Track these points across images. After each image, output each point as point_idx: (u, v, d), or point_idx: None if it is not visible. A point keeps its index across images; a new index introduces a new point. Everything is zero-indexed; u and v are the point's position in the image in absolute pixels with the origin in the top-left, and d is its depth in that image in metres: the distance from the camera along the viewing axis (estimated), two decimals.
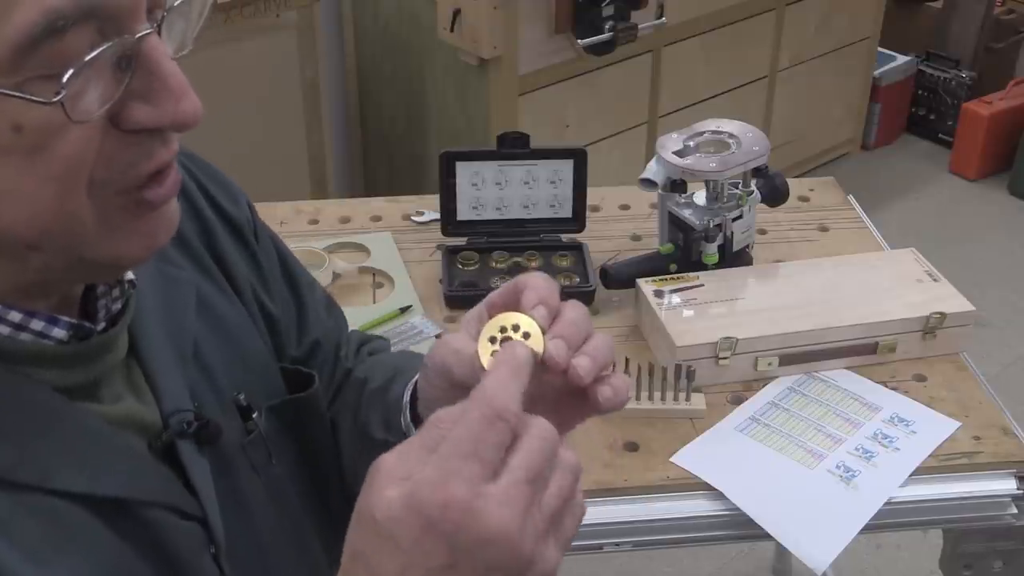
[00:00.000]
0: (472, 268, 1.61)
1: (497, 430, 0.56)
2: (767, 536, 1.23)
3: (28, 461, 0.61)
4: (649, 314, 1.46)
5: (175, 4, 0.59)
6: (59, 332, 0.64)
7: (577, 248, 1.64)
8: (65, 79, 0.53)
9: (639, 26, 2.69)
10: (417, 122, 2.94)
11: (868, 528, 1.24)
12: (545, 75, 2.69)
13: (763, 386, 1.41)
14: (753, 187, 1.54)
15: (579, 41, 2.64)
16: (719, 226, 1.51)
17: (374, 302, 1.57)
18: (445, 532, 0.54)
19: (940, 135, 3.91)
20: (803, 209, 1.79)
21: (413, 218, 1.75)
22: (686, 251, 1.53)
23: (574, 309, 0.67)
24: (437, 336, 1.48)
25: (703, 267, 1.52)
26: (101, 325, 0.67)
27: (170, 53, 0.59)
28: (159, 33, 0.58)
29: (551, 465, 0.57)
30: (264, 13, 2.43)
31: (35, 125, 0.54)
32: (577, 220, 1.63)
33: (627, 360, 1.38)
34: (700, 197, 1.53)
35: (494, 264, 1.62)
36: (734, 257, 1.55)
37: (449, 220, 1.62)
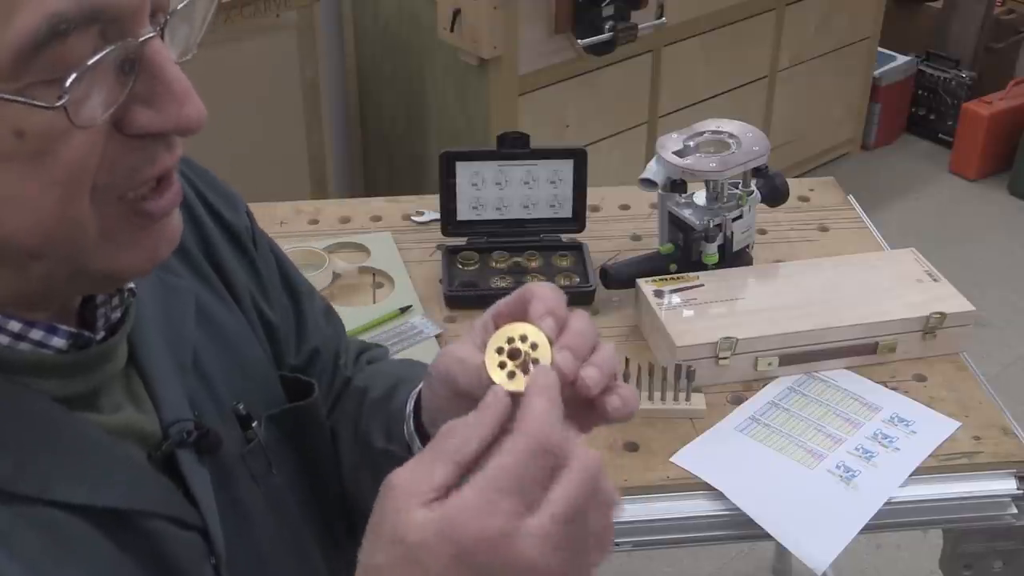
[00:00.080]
0: (472, 268, 1.61)
1: (542, 463, 0.56)
2: (767, 536, 1.23)
3: (28, 472, 0.60)
4: (649, 314, 1.46)
5: (178, 8, 0.59)
6: (58, 341, 0.63)
7: (577, 248, 1.64)
8: (68, 84, 0.52)
9: (639, 26, 2.69)
10: (417, 122, 2.94)
11: (868, 528, 1.24)
12: (545, 75, 2.69)
13: (763, 386, 1.41)
14: (753, 187, 1.54)
15: (579, 41, 2.64)
16: (719, 226, 1.51)
17: (374, 302, 1.57)
18: (477, 564, 0.54)
19: (940, 135, 3.91)
20: (803, 209, 1.79)
21: (413, 218, 1.75)
22: (686, 251, 1.53)
23: (580, 320, 0.67)
24: (437, 336, 1.48)
25: (703, 267, 1.52)
26: (100, 334, 0.66)
27: (174, 57, 0.58)
28: (162, 37, 0.57)
29: (591, 500, 0.57)
30: (264, 13, 2.43)
31: (38, 131, 0.53)
32: (577, 220, 1.63)
33: (627, 360, 1.38)
34: (700, 197, 1.53)
35: (494, 264, 1.62)
36: (734, 257, 1.55)
37: (449, 220, 1.62)
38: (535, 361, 0.63)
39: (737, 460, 1.30)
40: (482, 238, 1.64)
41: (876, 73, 3.74)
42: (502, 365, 0.63)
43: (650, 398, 1.35)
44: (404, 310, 1.53)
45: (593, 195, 1.66)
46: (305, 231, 1.71)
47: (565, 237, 1.65)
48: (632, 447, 1.31)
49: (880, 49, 3.71)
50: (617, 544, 1.26)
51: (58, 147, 0.54)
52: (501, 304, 0.70)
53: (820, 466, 1.29)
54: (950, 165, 3.79)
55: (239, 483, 0.76)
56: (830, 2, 3.36)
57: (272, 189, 2.30)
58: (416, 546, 0.54)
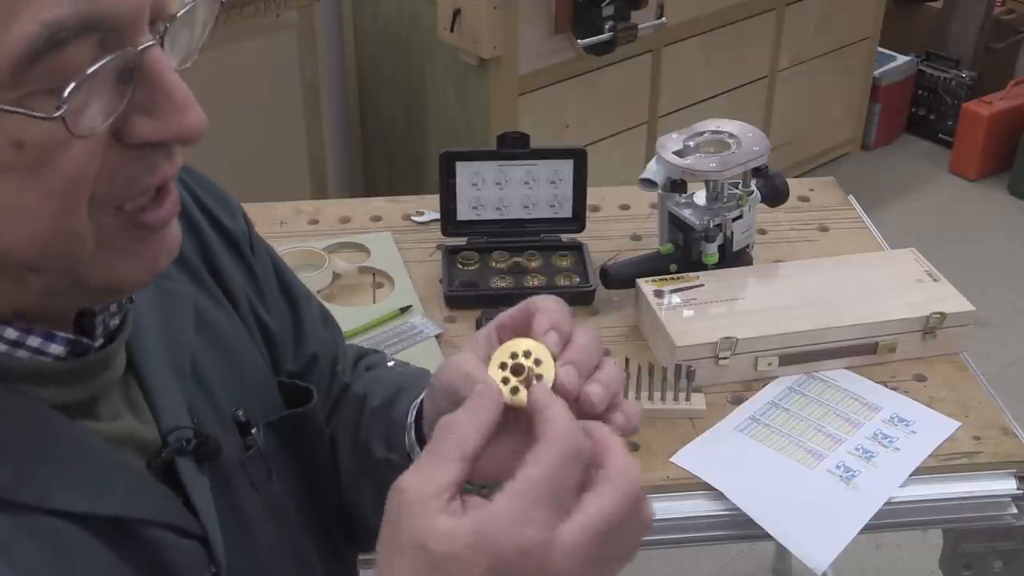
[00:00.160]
0: (472, 268, 1.61)
1: (573, 470, 0.56)
2: (767, 536, 1.23)
3: (28, 481, 0.60)
4: (649, 314, 1.46)
5: (178, 15, 0.58)
6: (56, 348, 0.62)
7: (577, 248, 1.64)
8: (66, 93, 0.52)
9: (639, 26, 2.69)
10: (417, 122, 2.94)
11: (868, 528, 1.24)
12: (545, 75, 2.69)
13: (763, 386, 1.41)
14: (753, 187, 1.54)
15: (579, 41, 2.64)
16: (719, 226, 1.51)
17: (374, 302, 1.57)
18: (511, 574, 0.54)
19: (940, 135, 3.91)
20: (803, 209, 1.79)
21: (413, 218, 1.75)
22: (686, 251, 1.53)
23: (585, 335, 0.66)
24: (437, 336, 1.48)
25: (703, 267, 1.52)
26: (99, 341, 0.66)
27: (174, 65, 0.58)
28: (162, 45, 0.57)
29: (624, 520, 0.58)
30: (264, 13, 2.43)
31: (36, 141, 0.53)
32: (577, 220, 1.63)
33: (627, 360, 1.38)
34: (700, 197, 1.53)
35: (494, 264, 1.62)
36: (734, 257, 1.55)
37: (449, 220, 1.62)
38: (538, 377, 0.63)
39: (737, 460, 1.30)
40: (482, 238, 1.64)
41: (876, 73, 3.74)
42: (505, 380, 0.63)
43: (650, 398, 1.35)
44: (404, 310, 1.53)
45: (593, 195, 1.66)
46: (305, 231, 1.71)
47: (565, 237, 1.65)
48: (632, 447, 1.31)
49: (880, 49, 3.71)
50: None
51: (57, 157, 0.54)
52: (504, 316, 0.70)
53: (820, 466, 1.29)
54: (950, 165, 3.79)
55: (238, 490, 0.76)
56: (830, 2, 3.36)
57: (272, 189, 2.30)
58: (445, 557, 0.54)
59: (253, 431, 0.78)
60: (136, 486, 0.66)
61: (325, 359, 0.94)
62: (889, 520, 1.27)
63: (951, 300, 1.46)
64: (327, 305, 1.51)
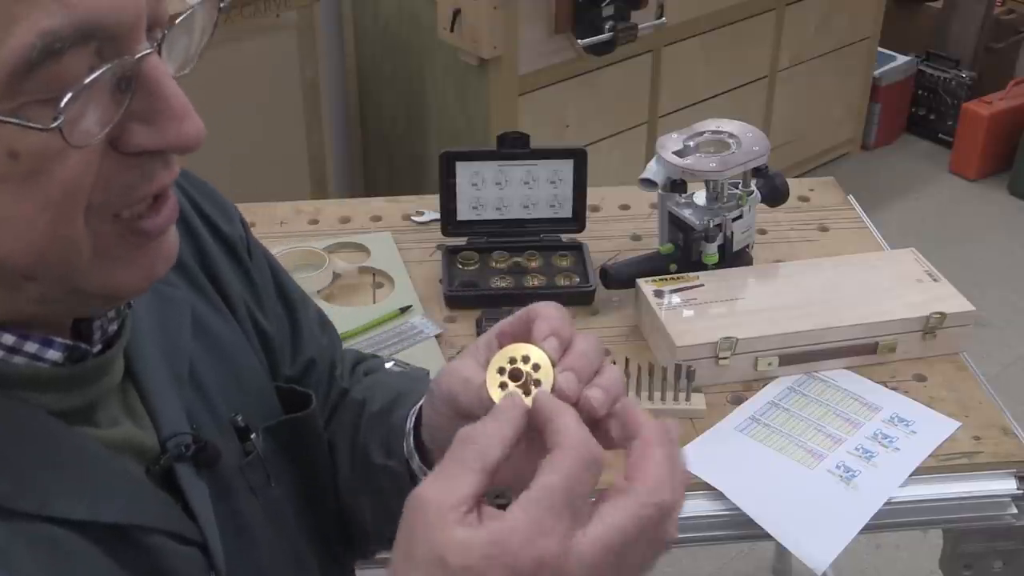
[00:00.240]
0: (472, 268, 1.61)
1: (590, 477, 0.56)
2: (767, 536, 1.23)
3: (27, 489, 0.59)
4: (649, 314, 1.46)
5: (176, 22, 0.58)
6: (54, 354, 0.62)
7: (577, 248, 1.64)
8: (63, 103, 0.51)
9: (639, 26, 2.69)
10: (417, 122, 2.94)
11: (868, 528, 1.24)
12: (545, 75, 2.69)
13: (763, 386, 1.41)
14: (753, 187, 1.54)
15: (579, 41, 2.64)
16: (719, 226, 1.51)
17: (374, 302, 1.57)
18: None
19: (940, 135, 3.91)
20: (803, 209, 1.79)
21: (413, 218, 1.75)
22: (686, 251, 1.53)
23: (585, 341, 0.66)
24: (437, 336, 1.48)
25: (703, 267, 1.52)
26: (97, 347, 0.65)
27: (171, 72, 0.57)
28: (159, 52, 0.56)
29: (645, 536, 0.57)
30: (264, 13, 2.43)
31: (32, 151, 0.52)
32: (577, 220, 1.63)
33: (627, 360, 1.38)
34: (700, 197, 1.53)
35: (494, 264, 1.62)
36: (734, 257, 1.55)
37: (449, 220, 1.62)
38: (537, 382, 0.62)
39: (737, 460, 1.30)
40: (482, 238, 1.64)
41: (876, 73, 3.74)
42: (503, 386, 0.63)
43: (650, 398, 1.35)
44: (404, 310, 1.53)
45: (593, 195, 1.66)
46: (305, 231, 1.71)
47: (565, 237, 1.65)
48: None
49: (880, 49, 3.71)
50: None
51: (53, 167, 0.53)
52: (505, 323, 0.69)
53: (820, 466, 1.29)
54: (950, 165, 3.79)
55: (237, 496, 0.75)
56: (830, 2, 3.36)
57: (272, 189, 2.30)
58: (462, 569, 0.53)
59: (252, 436, 0.77)
60: (135, 493, 0.66)
61: (323, 364, 0.93)
62: (889, 520, 1.27)
63: (951, 300, 1.46)
64: (327, 305, 1.53)
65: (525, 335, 0.67)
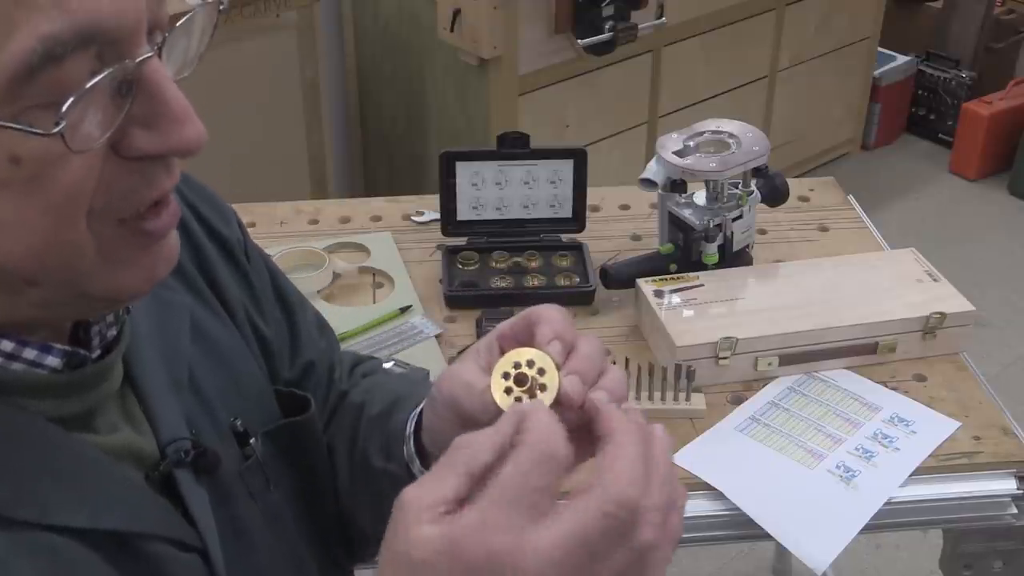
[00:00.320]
0: (472, 268, 1.61)
1: (548, 472, 0.54)
2: (767, 536, 1.23)
3: (26, 497, 0.59)
4: (649, 314, 1.46)
5: (177, 24, 0.57)
6: (53, 361, 0.62)
7: (577, 248, 1.64)
8: (64, 108, 0.51)
9: (639, 26, 2.69)
10: (417, 122, 2.94)
11: (868, 528, 1.24)
12: (545, 75, 2.69)
13: (763, 386, 1.41)
14: (753, 187, 1.54)
15: (579, 41, 2.64)
16: (719, 226, 1.51)
17: (374, 302, 1.57)
18: None
19: (940, 135, 3.91)
20: (803, 209, 1.79)
21: (413, 218, 1.75)
22: (686, 251, 1.53)
23: (588, 343, 0.65)
24: (437, 336, 1.48)
25: (703, 267, 1.52)
26: (96, 353, 0.65)
27: (171, 75, 0.57)
28: (160, 56, 0.56)
29: (614, 539, 0.54)
30: (264, 13, 2.43)
31: (34, 156, 0.52)
32: (577, 220, 1.63)
33: (627, 360, 1.38)
34: (700, 197, 1.53)
35: (494, 264, 1.62)
36: (734, 257, 1.55)
37: (449, 220, 1.62)
38: (542, 387, 0.62)
39: (737, 460, 1.30)
40: (482, 238, 1.64)
41: (876, 73, 3.74)
42: (508, 391, 0.63)
43: (650, 398, 1.35)
44: (404, 310, 1.53)
45: (593, 195, 1.66)
46: (305, 231, 1.71)
47: (565, 237, 1.65)
48: None
49: (880, 49, 3.71)
50: None
51: (55, 172, 0.53)
52: (505, 325, 0.69)
53: (820, 466, 1.29)
54: (950, 165, 3.79)
55: (237, 501, 0.75)
56: (830, 2, 3.36)
57: (272, 189, 2.30)
58: (420, 564, 0.53)
59: (251, 441, 0.77)
60: (135, 500, 0.65)
61: (322, 366, 0.93)
62: (889, 520, 1.27)
63: (951, 300, 1.46)
64: (327, 305, 1.53)
65: (526, 337, 0.67)
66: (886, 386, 1.41)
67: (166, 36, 0.57)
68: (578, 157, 1.60)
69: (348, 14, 3.00)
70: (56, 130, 0.51)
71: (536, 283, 1.58)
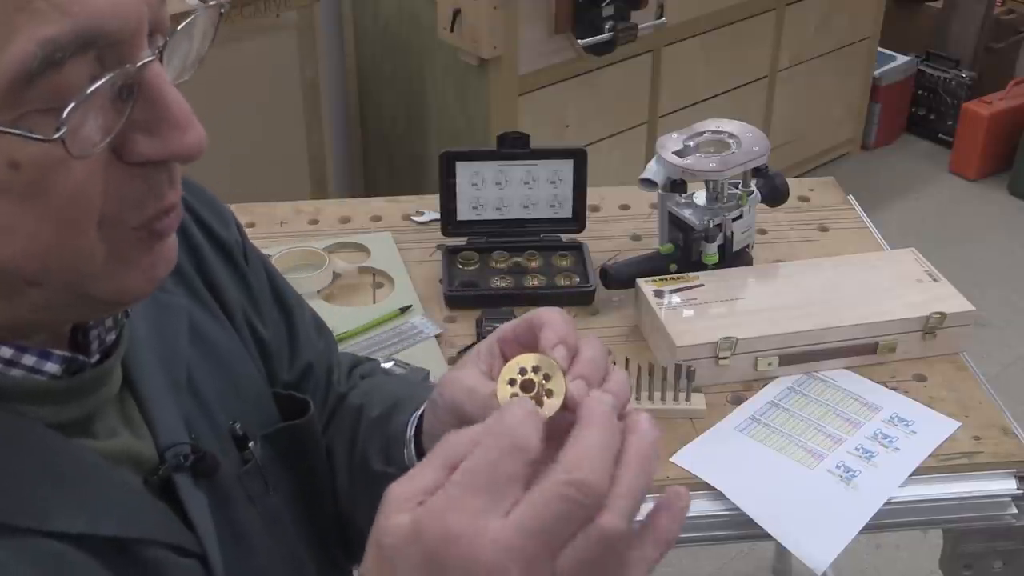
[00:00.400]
0: (472, 268, 1.61)
1: (515, 461, 0.53)
2: (767, 536, 1.23)
3: (26, 503, 0.59)
4: (649, 314, 1.46)
5: (178, 28, 0.57)
6: (52, 366, 0.61)
7: (577, 248, 1.64)
8: (65, 114, 0.50)
9: (639, 26, 2.69)
10: (417, 122, 2.94)
11: (868, 528, 1.24)
12: (545, 75, 2.69)
13: (763, 386, 1.41)
14: (753, 187, 1.54)
15: (579, 41, 2.64)
16: (719, 226, 1.51)
17: (374, 302, 1.57)
18: (441, 565, 0.51)
19: (940, 135, 3.91)
20: (803, 209, 1.79)
21: (413, 218, 1.75)
22: (686, 251, 1.53)
23: (592, 347, 0.65)
24: (437, 336, 1.48)
25: (703, 267, 1.52)
26: (95, 358, 0.65)
27: (172, 78, 0.56)
28: (161, 60, 0.55)
29: (573, 525, 0.52)
30: (264, 13, 2.43)
31: (33, 162, 0.51)
32: (577, 220, 1.63)
33: (627, 360, 1.38)
34: (700, 197, 1.53)
35: (494, 264, 1.62)
36: (734, 257, 1.55)
37: (449, 220, 1.62)
38: (548, 392, 0.62)
39: (737, 460, 1.30)
40: (482, 238, 1.64)
41: (876, 73, 3.74)
42: (514, 397, 0.63)
43: (650, 398, 1.35)
44: (404, 310, 1.53)
45: (593, 195, 1.66)
46: (305, 231, 1.71)
47: (565, 237, 1.65)
48: None
49: (880, 49, 3.71)
50: None
51: (55, 177, 0.52)
52: (507, 328, 0.69)
53: (820, 466, 1.29)
54: (950, 165, 3.79)
55: (236, 505, 0.75)
56: (830, 2, 3.36)
57: (272, 189, 2.30)
58: (389, 549, 0.53)
59: (250, 445, 0.77)
60: (134, 505, 0.65)
61: (320, 368, 0.93)
62: (889, 520, 1.27)
63: (951, 300, 1.46)
64: (327, 305, 1.53)
65: (528, 340, 0.66)
66: (886, 386, 1.41)
67: (167, 40, 0.56)
68: (578, 157, 1.60)
69: (348, 14, 3.00)
70: (56, 136, 0.51)
71: (536, 283, 1.58)
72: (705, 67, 3.07)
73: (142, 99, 0.54)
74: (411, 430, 0.81)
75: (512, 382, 0.63)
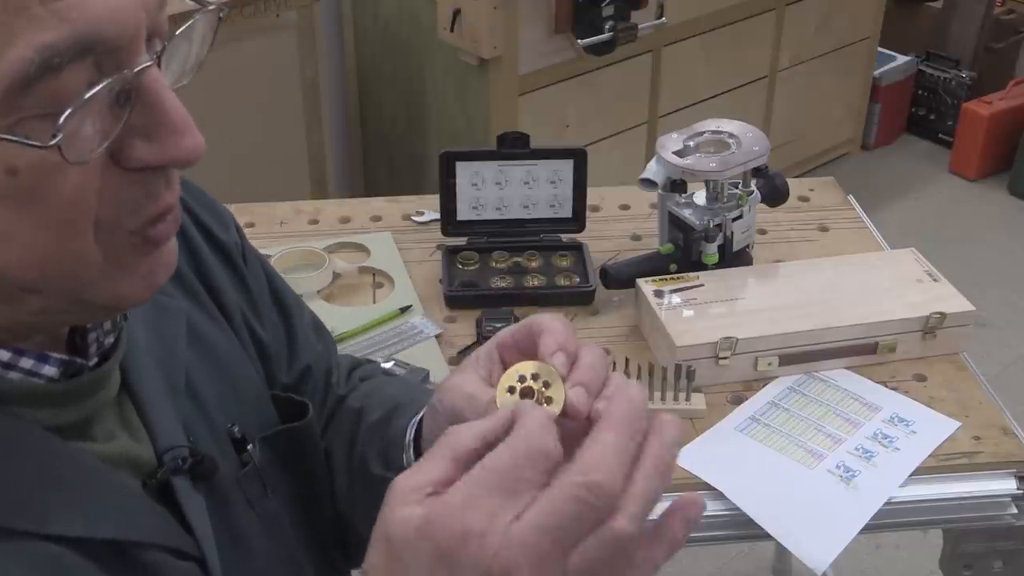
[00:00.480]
0: (472, 268, 1.61)
1: (535, 466, 0.53)
2: (767, 536, 1.23)
3: (24, 506, 0.59)
4: (649, 314, 1.46)
5: (176, 33, 0.57)
6: (49, 370, 0.61)
7: (577, 248, 1.64)
8: (62, 120, 0.50)
9: (639, 26, 2.69)
10: (417, 122, 2.94)
11: (868, 528, 1.24)
12: (545, 75, 2.69)
13: (763, 386, 1.41)
14: (753, 187, 1.54)
15: (579, 41, 2.64)
16: (719, 226, 1.51)
17: (374, 302, 1.57)
18: (455, 562, 0.52)
19: (940, 135, 3.91)
20: (803, 209, 1.79)
21: (413, 218, 1.75)
22: (686, 251, 1.53)
23: (591, 353, 0.65)
24: (437, 336, 1.48)
25: (703, 267, 1.52)
26: (93, 360, 0.65)
27: (170, 82, 0.56)
28: (159, 65, 0.55)
29: (585, 526, 0.53)
30: (264, 13, 2.43)
31: (30, 168, 0.51)
32: (577, 220, 1.63)
33: (627, 360, 1.38)
34: (700, 197, 1.53)
35: (494, 264, 1.62)
36: (734, 257, 1.55)
37: (449, 220, 1.62)
38: (548, 399, 0.62)
39: (737, 460, 1.30)
40: (482, 238, 1.64)
41: (876, 73, 3.74)
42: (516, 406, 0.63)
43: (650, 398, 1.35)
44: (404, 310, 1.53)
45: (593, 195, 1.67)
46: (305, 231, 1.71)
47: (565, 237, 1.65)
48: None
49: (880, 49, 3.71)
50: None
51: (52, 183, 0.52)
52: (506, 334, 0.69)
53: (820, 466, 1.29)
54: (950, 165, 3.79)
55: (234, 508, 0.75)
56: (830, 2, 3.36)
57: (272, 189, 2.31)
58: (399, 542, 0.53)
59: (249, 447, 0.77)
60: (132, 508, 0.65)
61: (319, 370, 0.93)
62: (889, 520, 1.27)
63: (951, 300, 1.46)
64: (327, 305, 1.53)
65: (527, 346, 0.66)
66: (886, 386, 1.41)
67: (165, 45, 0.56)
68: (578, 157, 1.60)
69: (348, 14, 3.00)
70: (53, 142, 0.50)
71: (536, 283, 1.58)
72: (705, 67, 3.07)
73: (140, 104, 0.54)
74: (410, 434, 0.81)
75: (511, 390, 0.63)
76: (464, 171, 1.59)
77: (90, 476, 0.63)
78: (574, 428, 0.60)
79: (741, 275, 1.52)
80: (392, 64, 2.95)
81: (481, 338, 1.46)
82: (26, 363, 0.60)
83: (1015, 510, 1.29)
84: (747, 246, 1.57)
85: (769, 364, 1.41)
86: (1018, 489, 1.29)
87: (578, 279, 1.59)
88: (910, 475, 1.28)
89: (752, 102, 3.27)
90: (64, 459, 0.62)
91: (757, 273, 1.55)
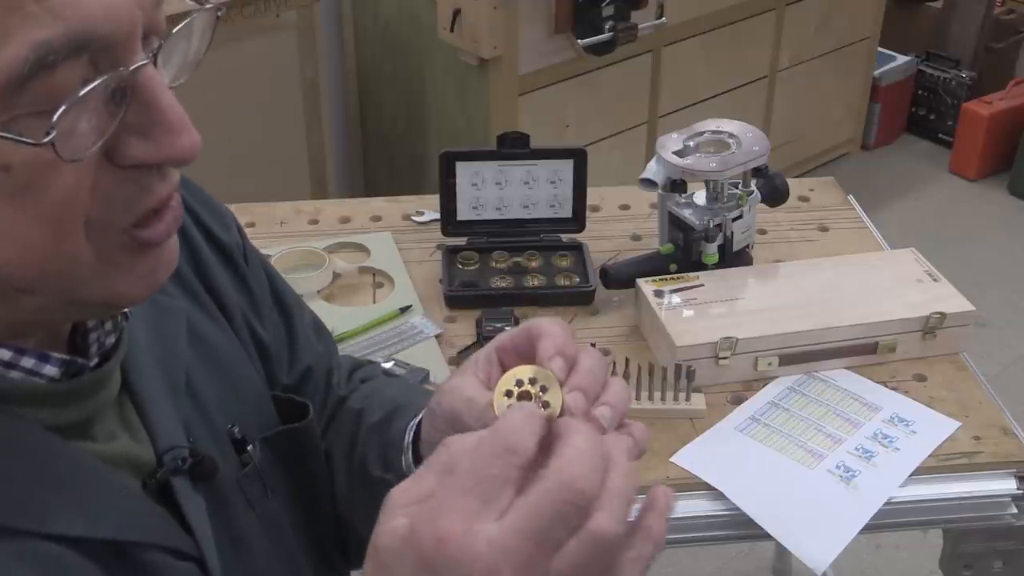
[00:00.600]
0: (472, 268, 1.61)
1: (506, 463, 0.53)
2: (767, 536, 1.23)
3: (26, 506, 0.59)
4: (649, 314, 1.46)
5: (173, 31, 0.56)
6: (50, 369, 0.61)
7: (577, 248, 1.64)
8: (55, 118, 0.50)
9: (639, 26, 2.69)
10: (417, 122, 2.94)
11: (868, 528, 1.24)
12: (545, 75, 2.69)
13: (763, 386, 1.41)
14: (753, 187, 1.54)
15: (579, 41, 2.64)
16: (719, 226, 1.51)
17: (374, 302, 1.57)
18: (435, 567, 0.51)
19: (940, 135, 3.91)
20: (803, 209, 1.79)
21: (413, 218, 1.75)
22: (686, 251, 1.53)
23: (590, 357, 0.64)
24: (437, 336, 1.48)
25: (703, 267, 1.52)
26: (94, 360, 0.65)
27: (167, 81, 0.56)
28: (155, 63, 0.55)
29: (566, 528, 0.52)
30: (264, 13, 2.43)
31: (24, 165, 0.51)
32: (577, 220, 1.63)
33: (627, 360, 1.38)
34: (700, 197, 1.53)
35: (494, 264, 1.62)
36: (734, 257, 1.55)
37: (449, 220, 1.62)
38: (545, 404, 0.62)
39: (737, 460, 1.30)
40: (482, 238, 1.64)
41: (876, 73, 3.74)
42: (511, 408, 0.63)
43: (650, 398, 1.35)
44: (404, 310, 1.53)
45: (593, 195, 1.66)
46: (305, 231, 1.71)
47: (565, 237, 1.65)
48: None
49: (880, 49, 3.71)
50: None
51: (46, 181, 0.52)
52: (504, 338, 0.69)
53: (820, 466, 1.29)
54: (950, 165, 3.79)
55: (234, 508, 0.75)
56: (830, 2, 3.36)
57: (272, 189, 2.30)
58: (384, 551, 0.53)
59: (249, 448, 0.77)
60: (132, 508, 0.65)
61: (319, 371, 0.93)
62: (889, 520, 1.27)
63: (951, 300, 1.46)
64: (327, 305, 1.53)
65: (526, 349, 0.66)
66: (886, 386, 1.41)
67: (162, 43, 0.56)
68: (578, 157, 1.60)
69: (348, 14, 3.00)
70: (46, 140, 0.50)
71: (536, 283, 1.58)
72: (705, 67, 3.07)
73: (136, 102, 0.54)
74: (409, 437, 0.81)
75: (509, 394, 0.63)
76: (464, 171, 1.59)
77: (90, 476, 0.63)
78: None
79: (741, 275, 1.52)
80: (392, 64, 2.95)
81: (481, 338, 1.46)
82: (27, 363, 0.60)
83: (1015, 510, 1.29)
84: (747, 246, 1.57)
85: (769, 364, 1.41)
86: (1018, 489, 1.29)
87: (578, 279, 1.59)
88: (910, 475, 1.28)
89: (752, 102, 3.27)
90: (64, 459, 0.62)
91: (757, 273, 1.55)
